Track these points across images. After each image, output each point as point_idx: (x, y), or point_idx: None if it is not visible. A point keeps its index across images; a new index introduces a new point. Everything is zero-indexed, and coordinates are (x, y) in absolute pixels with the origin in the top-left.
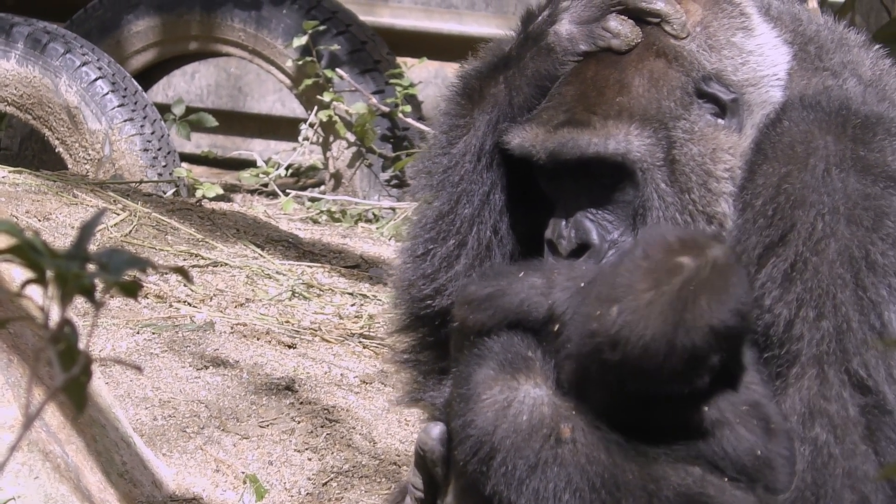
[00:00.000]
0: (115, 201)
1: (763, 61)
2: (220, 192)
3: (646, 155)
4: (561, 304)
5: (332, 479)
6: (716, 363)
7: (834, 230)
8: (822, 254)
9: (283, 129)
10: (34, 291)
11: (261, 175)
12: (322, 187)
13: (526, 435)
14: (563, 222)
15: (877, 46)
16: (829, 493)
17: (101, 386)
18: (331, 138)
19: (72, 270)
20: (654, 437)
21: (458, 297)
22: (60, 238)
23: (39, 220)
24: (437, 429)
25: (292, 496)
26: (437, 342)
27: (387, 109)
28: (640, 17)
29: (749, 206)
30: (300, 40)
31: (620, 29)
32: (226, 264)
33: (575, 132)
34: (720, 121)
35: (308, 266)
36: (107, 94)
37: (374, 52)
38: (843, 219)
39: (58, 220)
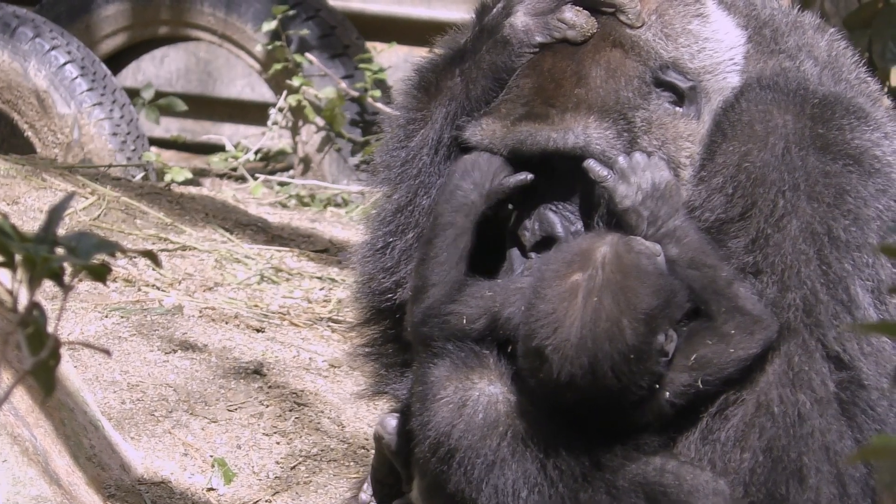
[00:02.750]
0: (83, 185)
1: (719, 47)
2: (189, 176)
3: (605, 147)
4: (514, 327)
5: (300, 463)
6: (663, 343)
7: (795, 207)
8: (783, 230)
9: (253, 113)
10: (3, 275)
11: (230, 159)
12: (291, 172)
13: (482, 434)
14: (526, 214)
15: (832, 29)
16: (805, 464)
17: (69, 369)
18: (300, 123)
19: (40, 254)
20: (613, 429)
21: (409, 325)
22: (29, 222)
23: (8, 204)
24: (393, 421)
25: (260, 480)
26: (399, 335)
27: (356, 94)
28: (595, 8)
29: (708, 184)
30: (270, 25)
31: (576, 20)
32: (194, 248)
33: (534, 127)
34: (678, 109)
35: (277, 250)
36: (76, 78)
37: (344, 37)
38: (803, 196)
39: (26, 203)
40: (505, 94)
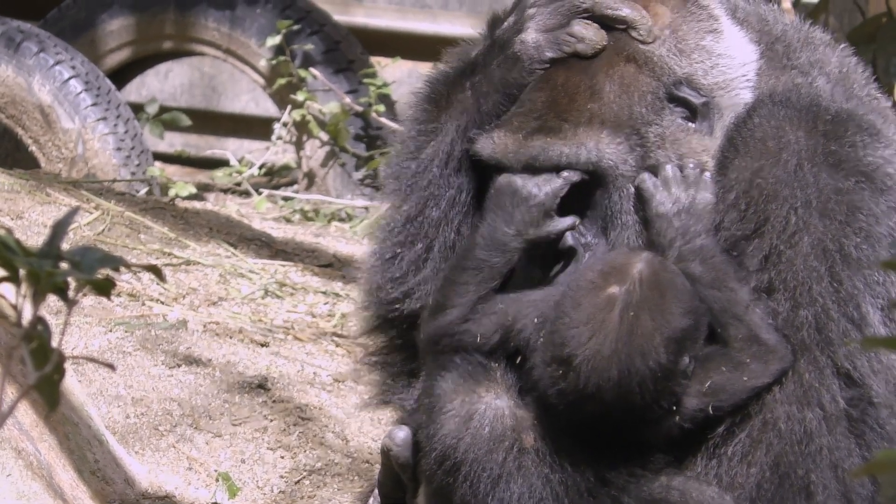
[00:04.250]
0: (88, 200)
1: (732, 63)
2: (194, 191)
3: (618, 162)
4: (525, 339)
5: (304, 478)
6: (687, 365)
7: (807, 224)
8: (796, 247)
9: (257, 128)
10: (7, 289)
11: (234, 174)
12: (295, 186)
13: (488, 447)
14: None
15: (842, 45)
16: (812, 481)
17: (73, 384)
18: (304, 137)
19: (45, 269)
20: (620, 445)
21: (421, 335)
22: (33, 237)
23: (12, 219)
24: (401, 433)
25: (265, 494)
26: (406, 344)
27: (360, 109)
28: (607, 24)
29: (721, 200)
30: (274, 40)
31: (585, 33)
32: (199, 263)
33: (547, 141)
34: (691, 125)
35: (281, 265)
36: (80, 93)
37: (348, 52)
38: (815, 213)
39: (31, 218)
40: (517, 107)
